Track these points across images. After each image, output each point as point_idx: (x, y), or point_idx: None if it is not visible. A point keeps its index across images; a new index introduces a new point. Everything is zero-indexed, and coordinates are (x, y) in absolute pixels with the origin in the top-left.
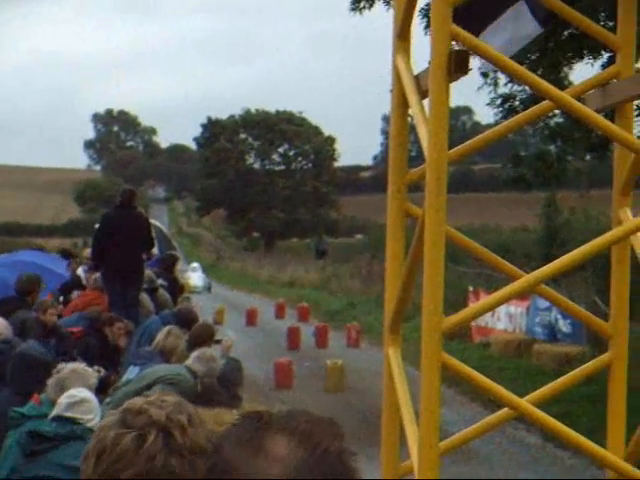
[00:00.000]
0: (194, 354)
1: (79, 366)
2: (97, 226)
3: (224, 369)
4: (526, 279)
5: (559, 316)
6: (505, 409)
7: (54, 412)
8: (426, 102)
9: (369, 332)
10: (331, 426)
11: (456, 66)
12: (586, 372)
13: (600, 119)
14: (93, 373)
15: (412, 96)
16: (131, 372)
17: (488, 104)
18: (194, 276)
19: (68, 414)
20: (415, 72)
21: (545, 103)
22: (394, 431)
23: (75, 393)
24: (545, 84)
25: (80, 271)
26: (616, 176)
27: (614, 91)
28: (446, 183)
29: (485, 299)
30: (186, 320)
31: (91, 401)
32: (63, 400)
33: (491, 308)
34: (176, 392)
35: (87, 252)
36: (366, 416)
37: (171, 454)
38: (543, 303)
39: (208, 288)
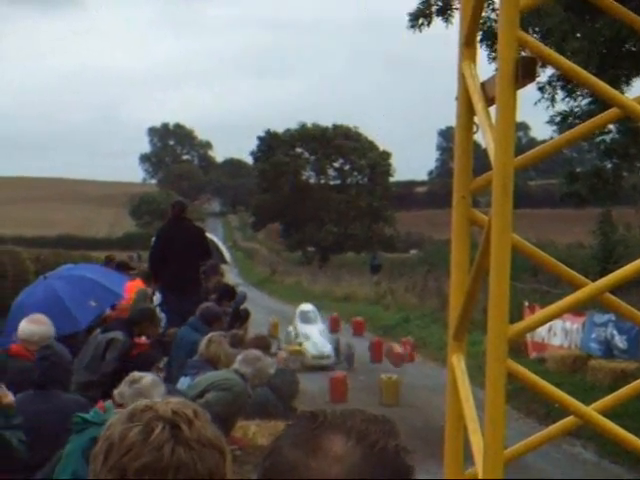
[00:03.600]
0: (239, 357)
1: (154, 376)
2: (154, 239)
3: (279, 381)
4: (590, 287)
5: (615, 332)
6: (566, 419)
7: None
8: (492, 109)
9: (424, 347)
10: (386, 424)
11: (523, 73)
12: None
13: None
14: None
15: (478, 103)
16: (182, 383)
17: (548, 122)
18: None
19: None
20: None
21: (605, 114)
22: (458, 436)
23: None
24: (614, 92)
25: None
26: None
27: None
28: (512, 190)
29: (549, 307)
30: (210, 316)
31: None
32: None
33: (554, 316)
34: (229, 396)
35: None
36: (421, 430)
37: (178, 445)
38: (599, 319)
39: (349, 360)
